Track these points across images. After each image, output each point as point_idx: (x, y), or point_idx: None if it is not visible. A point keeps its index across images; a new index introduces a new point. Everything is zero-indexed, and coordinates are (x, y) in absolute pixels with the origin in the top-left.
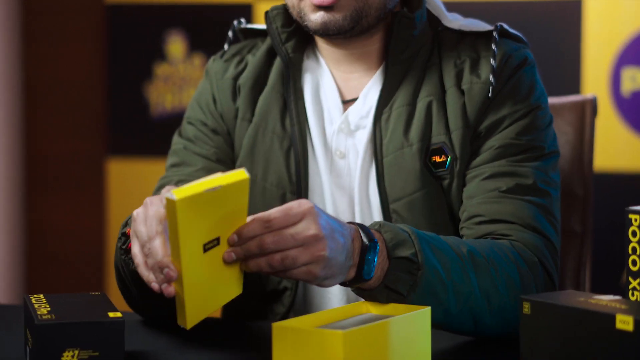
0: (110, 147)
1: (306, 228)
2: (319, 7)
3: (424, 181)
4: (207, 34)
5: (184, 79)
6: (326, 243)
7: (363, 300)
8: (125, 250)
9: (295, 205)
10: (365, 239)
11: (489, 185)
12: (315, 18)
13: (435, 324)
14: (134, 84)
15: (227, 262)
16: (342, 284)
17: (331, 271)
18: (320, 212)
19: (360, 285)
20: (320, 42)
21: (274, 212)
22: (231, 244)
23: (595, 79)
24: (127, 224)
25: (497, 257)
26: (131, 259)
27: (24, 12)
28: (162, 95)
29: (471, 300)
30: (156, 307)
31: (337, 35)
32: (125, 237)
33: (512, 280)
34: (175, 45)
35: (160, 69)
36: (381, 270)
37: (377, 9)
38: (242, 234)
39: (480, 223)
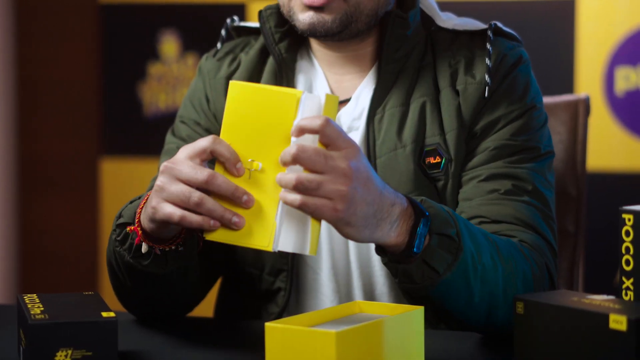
0: (104, 146)
1: (341, 158)
2: (309, 7)
3: (417, 182)
4: (201, 34)
5: (178, 79)
6: (352, 182)
7: (356, 300)
8: (120, 241)
9: (349, 137)
10: (416, 211)
11: (487, 187)
12: (304, 18)
13: (448, 313)
14: (127, 84)
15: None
16: (380, 251)
17: (355, 218)
18: (363, 159)
19: (401, 257)
20: (314, 44)
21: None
22: (294, 134)
23: (588, 79)
24: (120, 215)
25: (514, 252)
26: (126, 250)
27: (18, 11)
28: (155, 95)
29: (493, 292)
30: (150, 299)
31: (324, 37)
32: (120, 229)
33: (527, 278)
34: (169, 44)
35: (154, 69)
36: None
37: (367, 15)
38: (303, 123)
39: (481, 223)
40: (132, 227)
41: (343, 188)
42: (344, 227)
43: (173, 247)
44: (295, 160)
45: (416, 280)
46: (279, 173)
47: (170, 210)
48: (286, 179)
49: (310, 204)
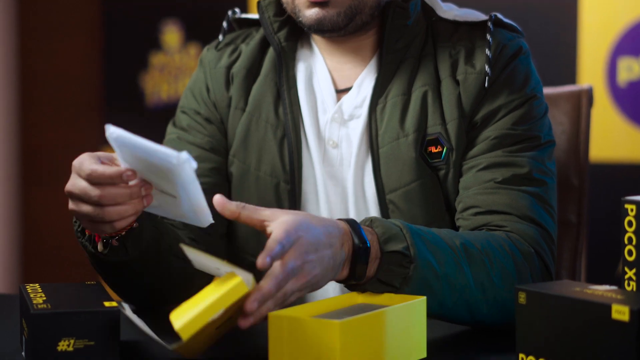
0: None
1: (294, 258)
2: (314, 4)
3: (420, 171)
4: (203, 24)
5: (180, 69)
6: (316, 267)
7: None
8: (81, 232)
9: (284, 237)
10: (357, 241)
11: (485, 176)
12: (310, 14)
13: (432, 315)
14: (129, 74)
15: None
16: (337, 281)
17: (323, 282)
18: (302, 232)
19: (354, 282)
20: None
21: (267, 283)
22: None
23: (591, 69)
24: None
25: (492, 249)
26: (87, 241)
27: (19, 2)
28: (157, 85)
29: (466, 292)
30: (130, 289)
31: (331, 31)
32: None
33: (508, 272)
34: (171, 35)
35: (156, 59)
36: (373, 267)
37: (371, 7)
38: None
39: (476, 214)
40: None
41: (310, 279)
42: (315, 289)
43: (123, 234)
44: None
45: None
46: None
47: (86, 210)
48: (262, 312)
49: (286, 304)
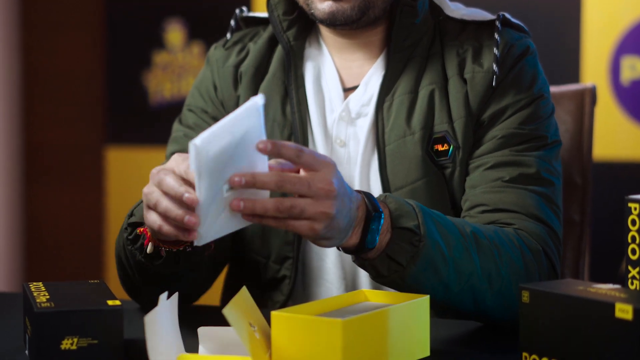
0: (109, 135)
1: (322, 180)
2: None
3: (426, 169)
4: (206, 22)
5: (183, 67)
6: (336, 202)
7: (362, 289)
8: (132, 240)
9: (322, 156)
10: (370, 208)
11: (492, 175)
12: (323, 7)
13: (437, 301)
14: (132, 73)
15: (234, 209)
16: (345, 250)
17: (332, 232)
18: (338, 172)
19: (361, 254)
20: (324, 30)
21: (307, 148)
22: (266, 152)
23: (594, 68)
24: (132, 214)
25: (501, 241)
26: (138, 250)
27: (22, 0)
28: (161, 84)
29: (472, 279)
30: (159, 293)
31: (343, 25)
32: (132, 228)
33: (516, 266)
34: (174, 33)
35: (159, 58)
36: (383, 241)
37: (384, 1)
38: (280, 149)
39: (483, 212)
40: (142, 229)
41: (327, 210)
42: (320, 241)
43: (181, 249)
44: (278, 187)
45: (383, 274)
46: (257, 191)
47: (153, 219)
48: (267, 204)
49: (288, 225)
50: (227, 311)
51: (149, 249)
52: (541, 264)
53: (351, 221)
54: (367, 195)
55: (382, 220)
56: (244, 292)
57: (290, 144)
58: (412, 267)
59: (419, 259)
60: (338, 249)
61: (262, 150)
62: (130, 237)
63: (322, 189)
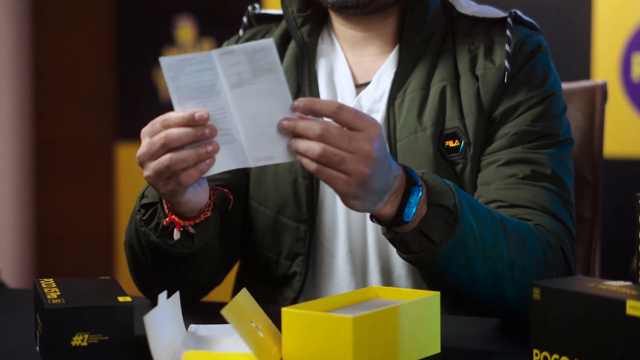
0: (120, 132)
1: (365, 139)
2: None
3: (437, 165)
4: (217, 19)
5: None
6: (374, 164)
7: (373, 285)
8: (146, 221)
9: (367, 115)
10: (409, 182)
11: (506, 171)
12: None
13: (458, 287)
14: (143, 69)
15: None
16: (377, 221)
17: (364, 194)
18: (382, 137)
19: (394, 227)
20: (336, 23)
21: (348, 106)
22: (300, 109)
23: (605, 65)
24: (144, 195)
25: (525, 233)
26: (152, 230)
27: None
28: None
29: (498, 265)
30: (170, 281)
31: (354, 9)
32: (145, 209)
33: (538, 259)
34: (185, 30)
35: (170, 54)
36: (418, 216)
37: None
38: (315, 104)
39: (499, 207)
40: (167, 220)
41: (363, 169)
42: (351, 200)
43: (204, 218)
44: (320, 136)
45: (414, 250)
46: (303, 142)
47: (165, 158)
48: (312, 149)
49: (325, 172)
50: (226, 311)
51: (175, 235)
52: (559, 261)
53: (386, 188)
54: (407, 169)
55: (420, 195)
56: (244, 292)
57: (327, 100)
58: (444, 246)
59: (451, 238)
60: (371, 219)
61: (296, 109)
62: (144, 217)
63: (363, 147)
